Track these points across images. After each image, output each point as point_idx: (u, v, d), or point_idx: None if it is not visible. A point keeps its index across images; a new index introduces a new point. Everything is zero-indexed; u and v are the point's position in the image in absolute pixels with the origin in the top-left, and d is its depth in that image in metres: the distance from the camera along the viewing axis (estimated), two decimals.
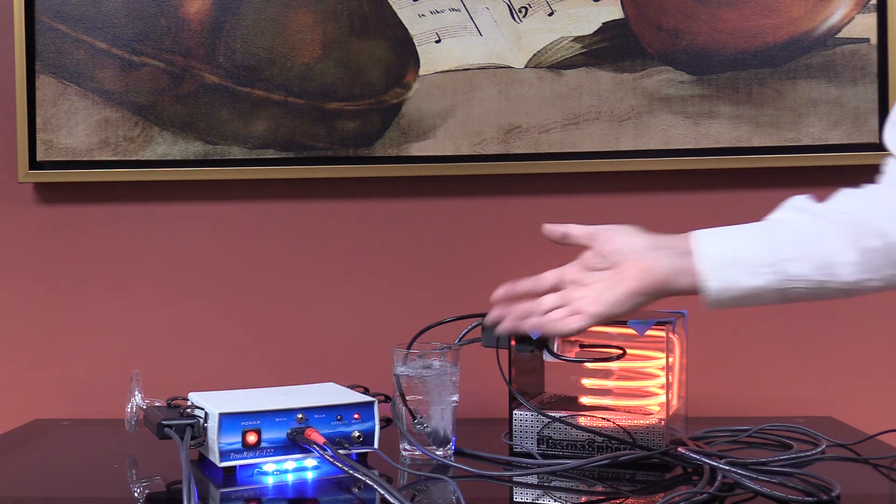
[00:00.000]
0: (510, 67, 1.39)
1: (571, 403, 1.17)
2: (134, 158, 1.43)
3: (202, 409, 1.03)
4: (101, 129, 1.43)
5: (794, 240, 0.94)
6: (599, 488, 1.00)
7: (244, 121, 1.42)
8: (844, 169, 1.39)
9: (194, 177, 1.43)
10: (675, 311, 1.15)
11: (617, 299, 0.97)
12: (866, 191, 1.00)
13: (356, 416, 1.07)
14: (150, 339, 1.46)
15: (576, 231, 1.04)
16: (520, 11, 1.39)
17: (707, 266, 0.94)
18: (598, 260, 1.00)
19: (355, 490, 0.98)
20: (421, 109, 1.40)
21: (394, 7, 1.40)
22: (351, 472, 0.94)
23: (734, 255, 0.94)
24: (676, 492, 0.93)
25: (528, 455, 1.09)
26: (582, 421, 1.09)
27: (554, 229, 1.06)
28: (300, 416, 1.04)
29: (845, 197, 1.00)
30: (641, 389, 1.15)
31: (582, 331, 0.99)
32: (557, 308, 1.00)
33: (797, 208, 0.99)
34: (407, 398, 1.07)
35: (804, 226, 0.96)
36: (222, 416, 1.00)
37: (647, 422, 1.07)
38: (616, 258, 0.99)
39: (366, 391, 1.16)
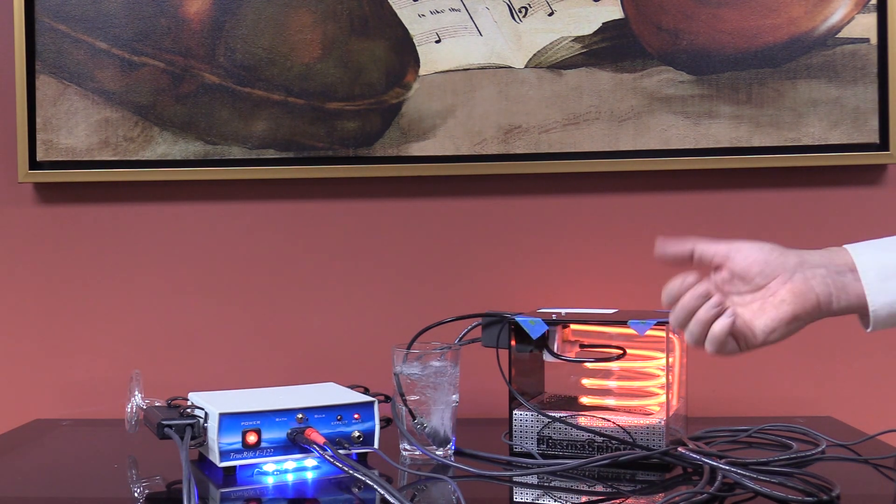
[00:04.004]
0: (510, 67, 1.39)
1: (571, 403, 1.17)
2: (134, 158, 1.43)
3: (202, 409, 1.03)
4: (101, 129, 1.43)
5: None
6: (599, 488, 1.00)
7: (244, 121, 1.42)
8: (844, 169, 1.39)
9: (194, 177, 1.43)
10: None
11: (773, 326, 0.88)
12: None
13: (356, 416, 1.07)
14: (150, 339, 1.46)
15: (705, 249, 0.91)
16: (520, 11, 1.39)
17: (871, 279, 0.87)
18: (737, 284, 0.90)
19: (355, 490, 0.98)
20: (421, 109, 1.40)
21: (394, 7, 1.40)
22: (351, 472, 0.94)
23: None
24: (676, 492, 0.93)
25: (528, 455, 1.09)
26: (582, 421, 1.09)
27: (674, 247, 0.93)
28: (300, 416, 1.04)
29: None
30: (641, 389, 1.15)
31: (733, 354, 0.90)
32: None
33: None
34: (407, 398, 1.07)
35: None
36: (222, 416, 1.00)
37: (647, 422, 1.07)
38: (760, 280, 0.88)
39: (366, 391, 1.16)
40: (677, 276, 0.90)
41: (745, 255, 0.89)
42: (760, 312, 0.88)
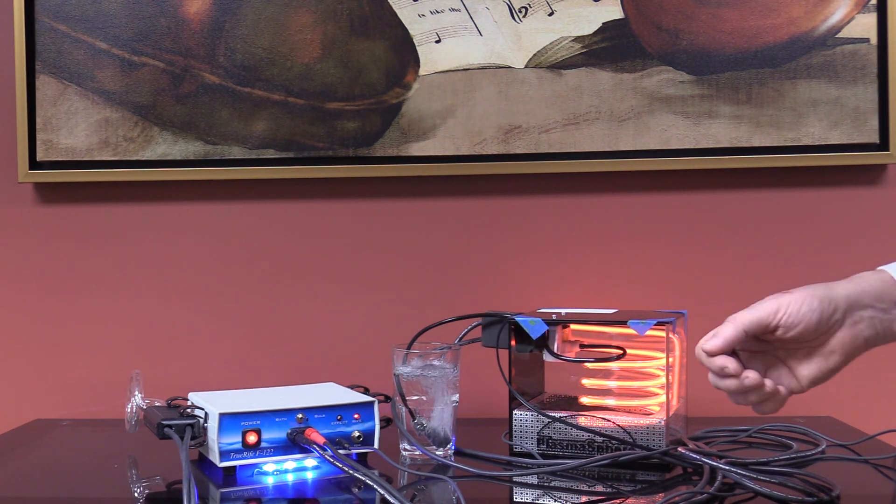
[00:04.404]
0: (510, 67, 1.39)
1: (571, 403, 1.17)
2: (134, 158, 1.43)
3: (202, 409, 1.03)
4: (101, 129, 1.43)
5: None
6: (599, 488, 1.00)
7: (244, 121, 1.42)
8: (844, 169, 1.39)
9: (194, 177, 1.43)
10: (675, 311, 1.15)
11: (821, 377, 0.90)
12: None
13: (356, 416, 1.07)
14: (150, 339, 1.46)
15: (752, 324, 0.88)
16: (520, 11, 1.39)
17: None
18: (790, 344, 0.90)
19: (355, 490, 0.98)
20: (421, 109, 1.40)
21: (394, 7, 1.40)
22: (351, 472, 0.94)
23: None
24: (676, 492, 0.93)
25: (528, 455, 1.09)
26: (582, 421, 1.09)
27: (721, 345, 0.89)
28: (300, 416, 1.04)
29: None
30: (641, 389, 1.15)
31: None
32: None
33: None
34: (407, 398, 1.07)
35: None
36: (222, 416, 1.00)
37: (648, 422, 1.07)
38: (815, 341, 0.89)
39: (366, 391, 1.16)
40: (718, 376, 0.90)
41: (796, 319, 0.87)
42: (807, 362, 0.89)
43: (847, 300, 0.88)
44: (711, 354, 0.89)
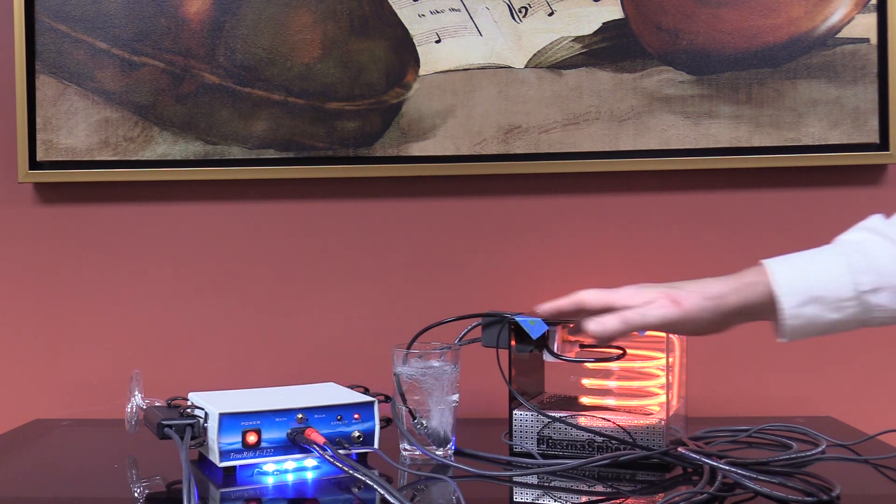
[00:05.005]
0: (510, 67, 1.39)
1: (571, 403, 1.17)
2: (134, 158, 1.43)
3: (202, 409, 1.03)
4: (101, 129, 1.43)
5: (872, 269, 0.90)
6: (599, 488, 1.00)
7: (244, 121, 1.42)
8: (844, 169, 1.39)
9: (194, 177, 1.43)
10: None
11: (716, 292, 0.94)
12: None
13: (356, 416, 1.07)
14: (150, 339, 1.46)
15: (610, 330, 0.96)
16: (520, 11, 1.39)
17: (788, 304, 0.91)
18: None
19: (355, 490, 0.98)
20: (421, 109, 1.40)
21: (394, 7, 1.40)
22: (351, 472, 0.94)
23: (815, 292, 0.90)
24: (676, 492, 0.93)
25: (528, 455, 1.09)
26: (582, 421, 1.09)
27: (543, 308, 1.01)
28: (300, 416, 1.04)
29: None
30: (641, 389, 1.15)
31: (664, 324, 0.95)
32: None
33: (871, 230, 0.95)
34: (407, 398, 1.07)
35: (880, 251, 0.92)
36: (222, 416, 1.00)
37: (647, 422, 1.07)
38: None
39: (366, 391, 1.16)
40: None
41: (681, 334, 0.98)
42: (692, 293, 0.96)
43: (730, 315, 0.94)
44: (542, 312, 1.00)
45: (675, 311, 0.94)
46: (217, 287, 1.46)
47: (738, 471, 0.96)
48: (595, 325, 0.96)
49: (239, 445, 1.01)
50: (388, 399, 1.13)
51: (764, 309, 0.93)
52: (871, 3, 1.35)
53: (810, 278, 0.91)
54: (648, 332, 1.07)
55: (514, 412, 1.12)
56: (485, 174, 1.41)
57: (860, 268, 0.91)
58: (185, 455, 0.93)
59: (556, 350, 1.12)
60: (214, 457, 1.01)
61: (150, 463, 1.12)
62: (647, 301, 0.95)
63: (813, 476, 0.97)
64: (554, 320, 1.04)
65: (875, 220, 0.96)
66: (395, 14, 1.40)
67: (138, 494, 1.00)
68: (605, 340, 0.98)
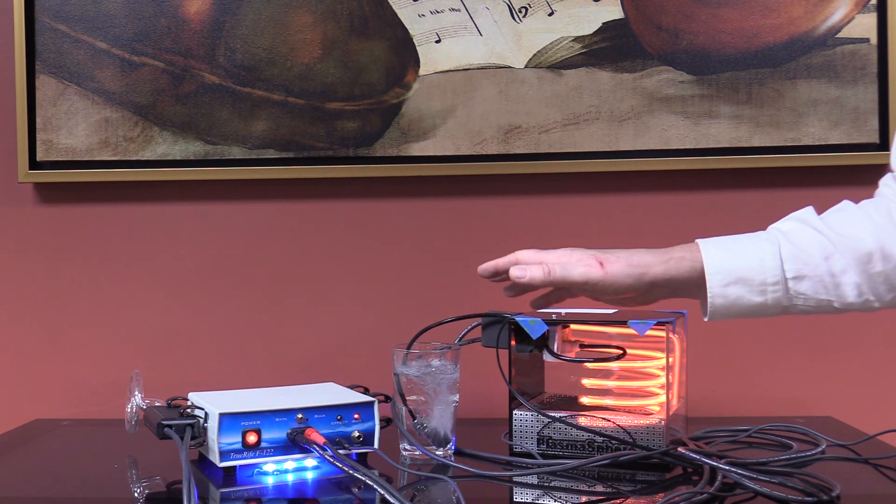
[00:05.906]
0: (510, 67, 1.39)
1: (571, 403, 1.17)
2: (134, 158, 1.43)
3: (202, 409, 1.03)
4: (101, 129, 1.43)
5: (800, 257, 0.94)
6: (599, 488, 0.99)
7: (244, 121, 1.42)
8: (844, 169, 1.39)
9: (194, 177, 1.43)
10: (675, 311, 1.15)
11: (642, 262, 0.98)
12: (873, 209, 0.99)
13: (356, 416, 1.07)
14: (150, 339, 1.46)
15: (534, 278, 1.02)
16: (520, 11, 1.39)
17: (714, 283, 0.94)
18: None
19: (355, 490, 0.98)
20: (421, 109, 1.40)
21: (394, 7, 1.40)
22: (351, 472, 0.94)
23: (741, 273, 0.93)
24: (676, 492, 0.93)
25: (528, 455, 1.09)
26: (582, 421, 1.09)
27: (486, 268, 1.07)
28: (300, 416, 1.04)
29: (849, 214, 0.99)
30: (641, 389, 1.15)
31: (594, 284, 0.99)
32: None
33: (801, 220, 0.98)
34: (407, 398, 1.07)
35: (809, 241, 0.95)
36: (222, 416, 1.00)
37: (647, 422, 1.07)
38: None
39: (366, 391, 1.16)
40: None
41: (604, 296, 1.01)
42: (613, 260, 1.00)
43: (654, 286, 0.98)
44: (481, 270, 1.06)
45: (598, 272, 0.98)
46: (217, 287, 1.46)
47: (738, 471, 0.96)
48: (518, 271, 1.01)
49: (239, 445, 1.01)
50: (388, 399, 1.13)
51: (688, 285, 0.97)
52: (871, 3, 1.36)
53: (738, 260, 0.95)
54: (648, 332, 1.07)
55: (514, 412, 1.12)
56: (485, 174, 1.41)
57: (786, 255, 0.94)
58: (185, 455, 0.93)
59: (556, 350, 1.12)
60: (214, 457, 1.01)
61: (150, 463, 1.12)
62: (575, 260, 0.99)
63: (813, 476, 0.97)
64: (491, 278, 1.09)
65: (806, 212, 0.99)
66: (395, 14, 1.40)
67: (138, 494, 1.00)
68: (525, 287, 1.03)
